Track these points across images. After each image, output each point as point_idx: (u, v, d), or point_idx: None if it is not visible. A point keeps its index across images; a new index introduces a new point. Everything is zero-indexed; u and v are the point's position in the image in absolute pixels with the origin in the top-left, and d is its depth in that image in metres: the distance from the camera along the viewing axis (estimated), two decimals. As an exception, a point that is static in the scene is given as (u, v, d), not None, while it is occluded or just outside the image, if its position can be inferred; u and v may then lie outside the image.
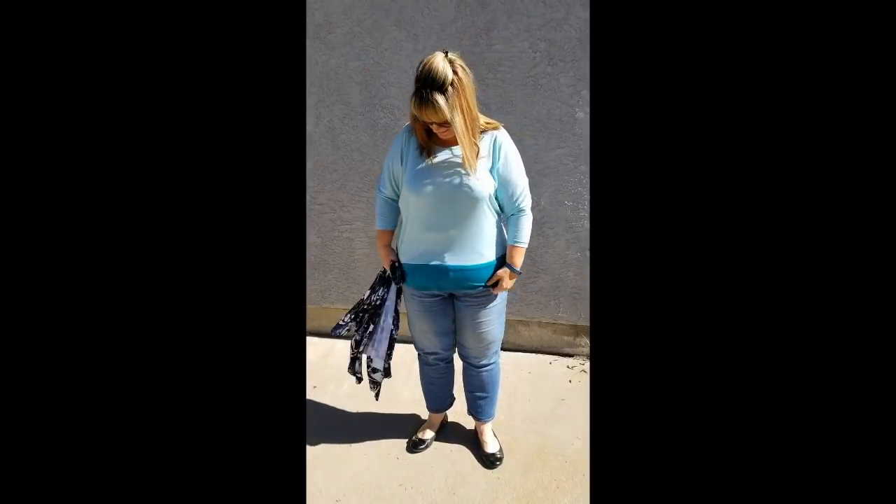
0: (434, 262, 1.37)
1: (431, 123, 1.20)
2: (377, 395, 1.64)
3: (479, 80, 2.02)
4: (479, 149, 1.27)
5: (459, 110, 1.16)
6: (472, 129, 1.23)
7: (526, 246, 1.41)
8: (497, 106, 2.04)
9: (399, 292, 1.51)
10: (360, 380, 1.64)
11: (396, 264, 1.45)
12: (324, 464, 1.66)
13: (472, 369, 1.61)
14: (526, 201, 1.38)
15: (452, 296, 1.47)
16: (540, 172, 2.08)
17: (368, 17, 2.05)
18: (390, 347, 1.55)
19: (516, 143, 2.04)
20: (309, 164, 2.28)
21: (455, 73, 1.15)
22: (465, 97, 1.17)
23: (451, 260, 1.36)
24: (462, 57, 1.21)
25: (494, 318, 1.49)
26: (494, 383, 1.65)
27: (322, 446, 1.74)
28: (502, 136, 1.32)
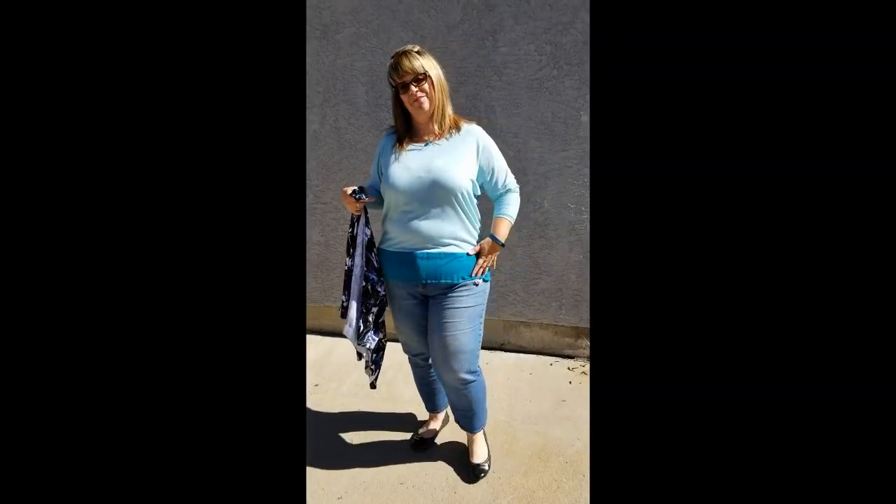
0: (412, 251, 1.37)
1: (407, 88, 1.29)
2: (372, 383, 1.53)
3: (485, 83, 2.04)
4: (450, 120, 1.36)
5: (434, 69, 1.30)
6: (445, 94, 1.34)
7: (512, 220, 1.44)
8: (502, 108, 2.05)
9: (366, 221, 1.43)
10: (360, 356, 1.51)
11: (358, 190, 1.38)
12: (325, 461, 1.66)
13: (447, 386, 1.52)
14: (511, 182, 1.43)
15: (428, 298, 1.45)
16: (544, 175, 2.09)
17: (375, 18, 2.06)
18: (374, 302, 1.42)
19: (521, 146, 2.07)
20: (314, 163, 2.29)
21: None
22: (437, 68, 1.31)
23: (428, 249, 1.36)
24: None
25: (463, 323, 1.39)
26: (478, 400, 1.54)
27: (324, 444, 1.74)
28: (476, 129, 1.38)
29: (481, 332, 1.48)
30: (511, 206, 1.44)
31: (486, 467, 1.60)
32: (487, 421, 1.67)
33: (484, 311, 1.47)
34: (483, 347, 2.35)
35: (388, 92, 2.11)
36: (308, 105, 2.23)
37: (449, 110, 1.36)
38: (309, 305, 2.51)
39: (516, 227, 2.17)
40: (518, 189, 1.45)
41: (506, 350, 2.35)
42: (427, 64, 1.29)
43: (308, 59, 2.17)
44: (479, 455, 1.62)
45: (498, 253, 1.45)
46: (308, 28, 2.14)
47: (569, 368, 2.21)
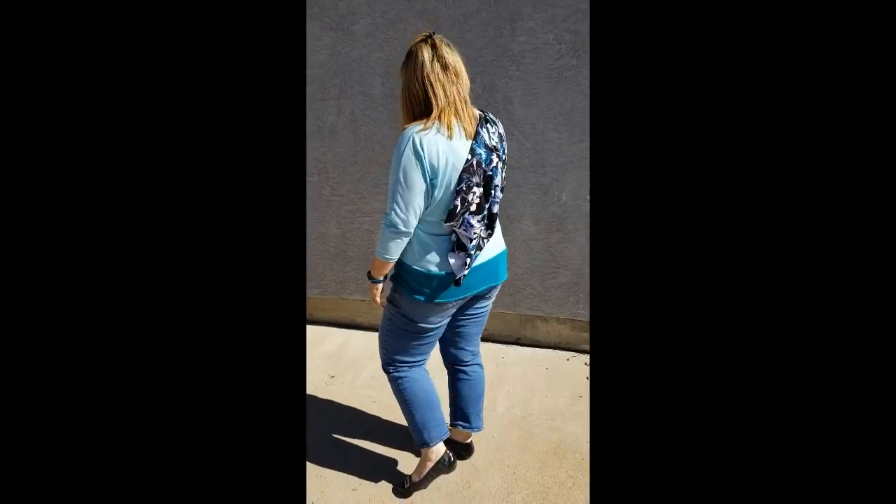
0: None
1: None
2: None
3: (502, 72, 2.00)
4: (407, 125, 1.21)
5: (405, 78, 1.20)
6: (409, 101, 1.20)
7: (378, 256, 1.25)
8: (520, 98, 2.01)
9: None
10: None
11: None
12: (341, 452, 1.67)
13: None
14: (387, 209, 1.19)
15: None
16: (562, 167, 2.05)
17: (391, 8, 2.04)
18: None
19: (539, 137, 2.03)
20: (330, 156, 2.29)
21: (419, 45, 1.19)
22: (415, 68, 1.18)
23: None
24: (442, 39, 1.19)
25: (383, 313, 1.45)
26: (398, 402, 1.50)
27: (340, 435, 1.76)
28: (400, 138, 1.19)
29: (392, 340, 1.41)
30: (377, 242, 1.25)
31: (404, 485, 1.53)
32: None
33: (396, 326, 1.38)
34: (499, 341, 2.35)
35: (405, 83, 2.10)
36: (324, 97, 2.22)
37: (404, 117, 1.23)
38: (326, 297, 2.52)
39: (533, 221, 2.14)
40: (387, 222, 1.19)
41: (522, 344, 2.33)
42: (403, 74, 1.22)
43: (324, 51, 2.16)
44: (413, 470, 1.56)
45: (374, 286, 1.34)
46: (324, 19, 2.12)
47: (586, 364, 2.18)
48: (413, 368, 1.46)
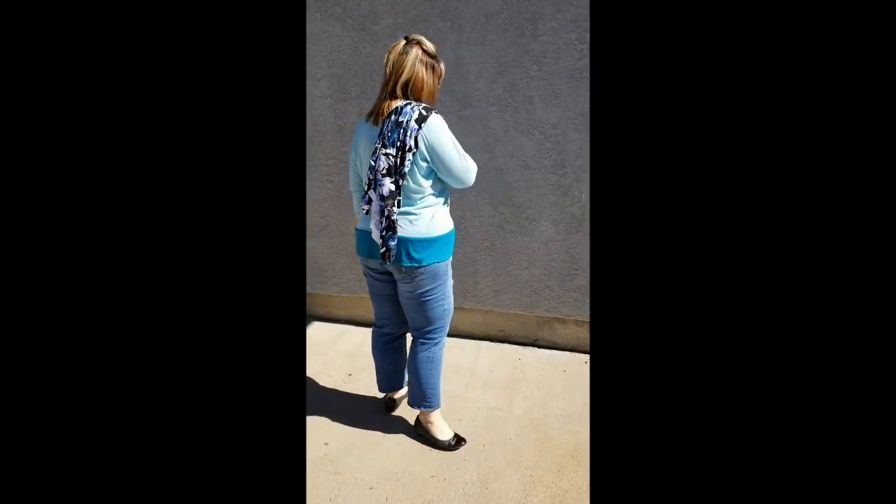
0: None
1: None
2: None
3: (523, 72, 1.99)
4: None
5: None
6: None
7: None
8: (541, 98, 2.00)
9: None
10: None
11: None
12: (358, 451, 1.68)
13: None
14: None
15: None
16: (583, 167, 2.03)
17: (413, 8, 2.04)
18: None
19: (559, 137, 2.02)
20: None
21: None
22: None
23: None
24: (396, 46, 1.39)
25: None
26: None
27: (357, 433, 1.77)
28: None
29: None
30: None
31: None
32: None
33: None
34: (516, 342, 2.34)
35: (425, 83, 2.10)
36: (345, 97, 2.24)
37: None
38: (344, 296, 2.54)
39: (553, 222, 2.13)
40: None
41: (539, 346, 2.32)
42: None
43: (346, 51, 2.18)
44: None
45: None
46: (346, 20, 2.14)
47: (604, 367, 2.15)
48: (377, 331, 1.78)
